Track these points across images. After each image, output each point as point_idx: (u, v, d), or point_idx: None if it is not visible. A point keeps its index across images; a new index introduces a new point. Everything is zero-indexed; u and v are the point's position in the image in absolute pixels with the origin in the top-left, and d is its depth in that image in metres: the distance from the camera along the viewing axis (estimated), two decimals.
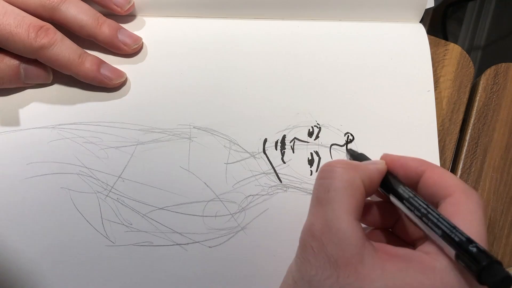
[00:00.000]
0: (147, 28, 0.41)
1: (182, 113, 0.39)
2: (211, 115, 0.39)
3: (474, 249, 0.24)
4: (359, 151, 0.38)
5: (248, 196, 0.37)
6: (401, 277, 0.25)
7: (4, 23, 0.34)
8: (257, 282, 0.34)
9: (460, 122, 0.42)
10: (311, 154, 0.38)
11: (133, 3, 0.41)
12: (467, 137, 0.42)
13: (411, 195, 0.29)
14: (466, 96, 0.43)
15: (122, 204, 0.36)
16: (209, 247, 0.35)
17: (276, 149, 0.38)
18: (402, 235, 0.32)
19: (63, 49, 0.36)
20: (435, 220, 0.26)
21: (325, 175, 0.29)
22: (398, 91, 0.41)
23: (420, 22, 0.44)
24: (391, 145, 0.39)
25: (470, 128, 0.43)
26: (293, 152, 0.38)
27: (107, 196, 0.36)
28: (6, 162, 0.37)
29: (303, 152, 0.38)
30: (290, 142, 0.39)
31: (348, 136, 0.39)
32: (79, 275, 0.34)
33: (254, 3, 0.42)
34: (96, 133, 0.38)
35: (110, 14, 0.40)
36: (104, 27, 0.38)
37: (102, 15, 0.39)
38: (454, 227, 0.26)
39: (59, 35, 0.36)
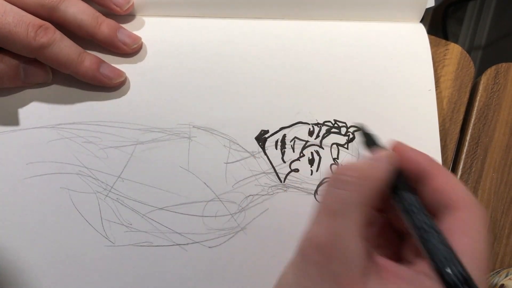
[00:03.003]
0: (147, 27, 0.41)
1: (182, 113, 0.39)
2: (211, 115, 0.39)
3: None
4: (360, 151, 0.38)
5: (248, 196, 0.37)
6: None
7: (3, 22, 0.34)
8: (257, 282, 0.34)
9: (461, 122, 0.42)
10: (312, 153, 0.38)
11: (133, 3, 0.40)
12: (468, 137, 0.42)
13: (416, 209, 0.26)
14: (467, 96, 0.43)
15: (121, 204, 0.36)
16: (209, 247, 0.35)
17: (276, 149, 0.38)
18: (398, 225, 0.31)
19: (62, 48, 0.36)
20: (432, 248, 0.25)
21: (339, 185, 0.26)
22: (399, 91, 0.40)
23: (421, 22, 0.44)
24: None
25: (471, 128, 0.43)
26: (294, 151, 0.38)
27: (106, 196, 0.36)
28: (5, 162, 0.36)
29: (303, 152, 0.38)
30: (291, 142, 0.38)
31: (349, 135, 0.39)
32: (79, 275, 0.34)
33: (254, 3, 0.41)
34: (95, 132, 0.38)
35: (110, 13, 0.40)
36: (104, 27, 0.38)
37: (101, 15, 0.39)
38: (451, 260, 0.24)
39: (58, 34, 0.36)
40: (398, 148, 0.29)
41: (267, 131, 0.38)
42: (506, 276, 0.36)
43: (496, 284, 0.36)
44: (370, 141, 0.31)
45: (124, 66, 0.40)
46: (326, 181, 0.33)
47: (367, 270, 0.25)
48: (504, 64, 0.44)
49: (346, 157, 0.38)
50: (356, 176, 0.26)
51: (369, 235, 0.29)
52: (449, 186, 0.27)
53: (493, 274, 0.38)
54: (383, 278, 0.25)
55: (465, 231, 0.25)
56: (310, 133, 0.39)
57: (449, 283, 0.23)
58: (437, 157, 0.39)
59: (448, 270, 0.23)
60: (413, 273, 0.25)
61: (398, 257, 0.28)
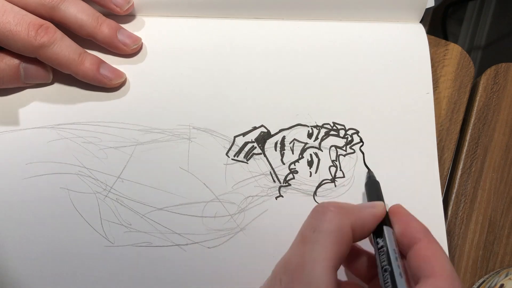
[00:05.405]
0: (147, 28, 0.41)
1: (182, 114, 0.39)
2: (211, 116, 0.39)
3: None
4: (358, 152, 0.38)
5: (248, 197, 0.37)
6: None
7: (3, 22, 0.34)
8: (256, 283, 0.34)
9: (461, 122, 0.42)
10: (311, 155, 0.38)
11: (133, 3, 0.40)
12: (467, 137, 0.42)
13: (392, 253, 0.28)
14: (466, 96, 0.43)
15: (121, 204, 0.36)
16: (208, 248, 0.35)
17: (276, 150, 0.38)
18: None
19: (63, 47, 0.36)
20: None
21: (316, 215, 0.28)
22: (398, 92, 0.40)
23: (420, 22, 0.44)
24: (390, 146, 0.39)
25: (470, 128, 0.43)
26: (293, 153, 0.38)
27: (106, 196, 0.36)
28: (5, 162, 0.37)
29: (302, 154, 0.38)
30: (290, 143, 0.38)
31: (347, 137, 0.39)
32: (78, 275, 0.34)
33: (254, 3, 0.41)
34: (95, 133, 0.38)
35: (110, 14, 0.40)
36: (104, 27, 0.38)
37: (101, 15, 0.39)
38: None
39: (59, 33, 0.36)
40: (395, 209, 0.31)
41: (267, 133, 0.38)
42: (506, 276, 0.36)
43: (496, 284, 0.36)
44: (372, 188, 0.34)
45: (124, 67, 0.40)
46: (324, 182, 0.34)
47: None
48: (503, 64, 0.44)
49: (344, 159, 0.38)
50: (332, 209, 0.28)
51: (361, 271, 0.32)
52: (433, 255, 0.28)
53: (493, 274, 0.38)
54: None
55: None
56: (309, 135, 0.39)
57: None
58: (433, 160, 0.39)
59: None
60: None
61: None
